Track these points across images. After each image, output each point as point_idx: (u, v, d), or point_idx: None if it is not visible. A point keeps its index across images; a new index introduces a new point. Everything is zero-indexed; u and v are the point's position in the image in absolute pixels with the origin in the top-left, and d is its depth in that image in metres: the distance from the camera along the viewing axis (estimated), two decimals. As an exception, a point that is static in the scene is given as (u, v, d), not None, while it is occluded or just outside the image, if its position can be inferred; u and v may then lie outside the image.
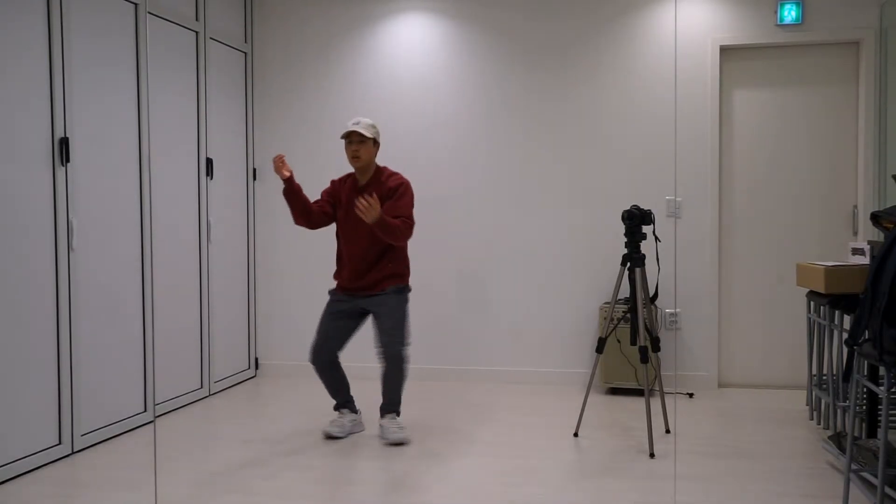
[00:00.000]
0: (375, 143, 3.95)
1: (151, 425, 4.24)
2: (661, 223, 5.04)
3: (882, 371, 3.43)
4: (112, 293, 3.99)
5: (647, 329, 3.97)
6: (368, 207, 3.63)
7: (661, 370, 4.95)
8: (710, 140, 4.99)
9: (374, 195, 3.69)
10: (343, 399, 4.06)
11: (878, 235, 4.70)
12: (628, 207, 4.31)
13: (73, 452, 3.73)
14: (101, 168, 3.91)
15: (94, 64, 3.86)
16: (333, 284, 4.14)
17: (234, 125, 5.23)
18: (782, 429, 4.11)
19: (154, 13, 4.32)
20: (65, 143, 3.64)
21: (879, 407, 3.63)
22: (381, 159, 5.20)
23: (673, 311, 5.06)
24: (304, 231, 5.47)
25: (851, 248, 3.96)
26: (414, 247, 5.32)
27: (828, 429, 4.03)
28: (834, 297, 3.74)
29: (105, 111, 3.94)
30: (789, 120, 4.99)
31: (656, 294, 4.10)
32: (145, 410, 4.27)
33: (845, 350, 4.28)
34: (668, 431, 4.05)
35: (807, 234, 5.00)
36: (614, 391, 4.98)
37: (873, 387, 2.98)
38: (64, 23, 3.64)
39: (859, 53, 4.89)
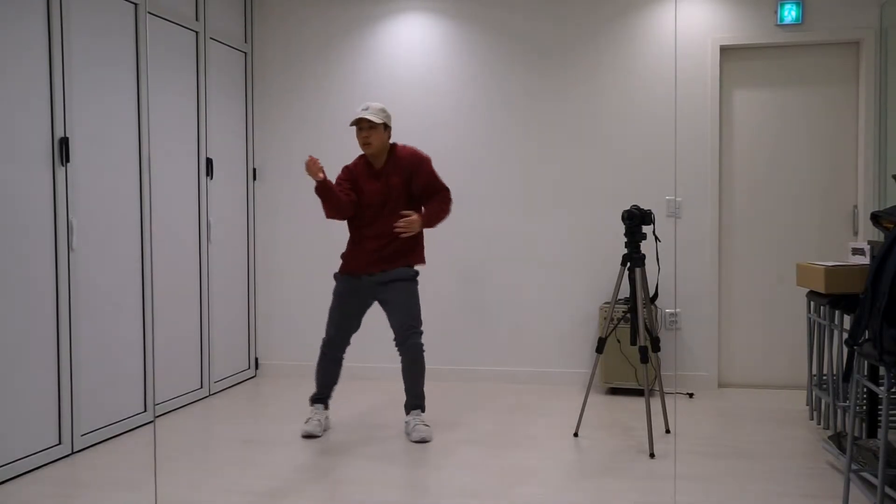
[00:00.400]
0: (386, 127, 3.90)
1: (151, 425, 4.24)
2: (661, 223, 5.04)
3: (882, 371, 3.43)
4: (112, 293, 3.99)
5: (647, 329, 3.97)
6: (409, 226, 3.75)
7: (661, 370, 4.95)
8: (710, 140, 4.99)
9: (408, 215, 3.76)
10: (327, 394, 4.10)
11: (878, 235, 4.70)
12: (628, 207, 4.31)
13: (73, 452, 3.73)
14: (101, 168, 3.91)
15: (94, 64, 3.86)
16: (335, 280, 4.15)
17: (234, 125, 5.23)
18: (782, 429, 4.11)
19: (154, 13, 4.32)
20: (65, 143, 3.64)
21: (879, 407, 3.63)
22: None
23: (673, 311, 5.06)
24: (304, 231, 5.47)
25: (851, 248, 3.96)
26: (414, 247, 5.32)
27: (828, 429, 4.03)
28: (834, 297, 3.74)
29: (105, 111, 3.94)
30: (789, 120, 4.99)
31: (656, 294, 4.10)
32: (145, 410, 4.27)
33: (845, 350, 4.28)
34: (668, 431, 4.05)
35: (807, 234, 5.00)
36: (614, 391, 4.98)
37: (873, 387, 2.98)
38: (64, 23, 3.64)
39: (859, 53, 4.89)
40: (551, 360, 5.22)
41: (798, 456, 3.64)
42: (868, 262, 3.75)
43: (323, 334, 5.35)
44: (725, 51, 5.01)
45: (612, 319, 4.59)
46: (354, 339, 5.17)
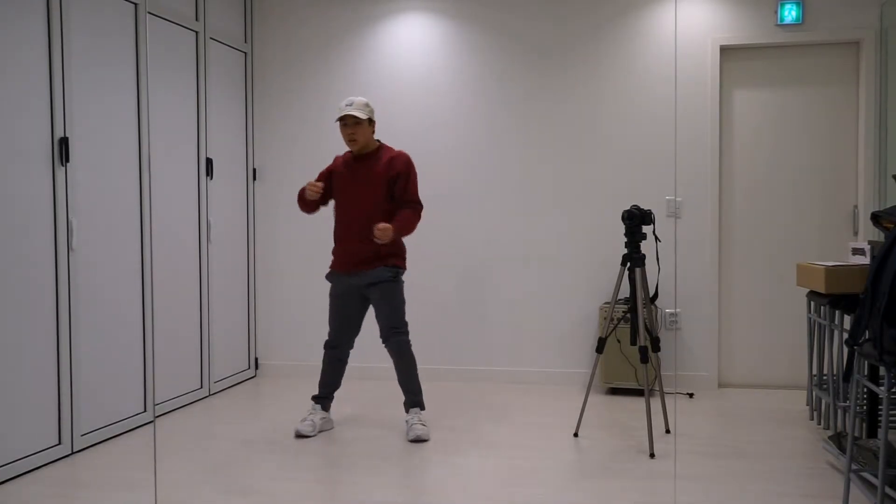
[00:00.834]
0: (371, 122, 3.93)
1: (151, 425, 4.24)
2: (661, 223, 5.04)
3: (882, 371, 3.43)
4: (112, 293, 3.99)
5: (647, 329, 3.97)
6: (383, 235, 3.76)
7: (661, 370, 4.95)
8: (710, 140, 4.99)
9: (383, 225, 3.77)
10: (327, 394, 4.11)
11: (878, 235, 4.70)
12: (628, 207, 4.31)
13: (73, 452, 3.73)
14: (101, 168, 3.91)
15: (94, 64, 3.86)
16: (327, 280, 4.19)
17: (234, 125, 5.23)
18: (782, 429, 4.11)
19: (154, 13, 4.32)
20: (65, 142, 3.64)
21: (880, 407, 3.63)
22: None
23: (673, 311, 5.06)
24: (304, 231, 5.47)
25: (852, 248, 3.96)
26: (414, 246, 5.32)
27: (828, 429, 4.03)
28: (834, 297, 3.74)
29: (105, 111, 3.94)
30: (789, 120, 4.99)
31: (656, 294, 4.10)
32: (145, 410, 4.27)
33: (845, 350, 4.28)
34: (668, 431, 4.05)
35: (807, 234, 5.00)
36: (614, 391, 4.98)
37: (873, 387, 2.98)
38: (64, 23, 3.63)
39: (859, 53, 4.89)
40: (551, 360, 5.21)
41: (798, 456, 3.64)
42: (868, 262, 3.75)
43: (323, 334, 5.38)
44: (725, 51, 5.01)
45: (612, 319, 4.59)
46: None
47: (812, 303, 4.12)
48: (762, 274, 5.05)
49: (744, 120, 5.04)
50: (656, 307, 4.96)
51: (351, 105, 3.87)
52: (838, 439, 3.51)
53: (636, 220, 3.89)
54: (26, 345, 3.44)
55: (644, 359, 3.71)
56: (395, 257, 3.98)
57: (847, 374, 3.03)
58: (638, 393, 4.93)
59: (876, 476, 2.96)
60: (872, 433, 3.58)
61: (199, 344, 4.80)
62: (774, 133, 5.02)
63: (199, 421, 4.33)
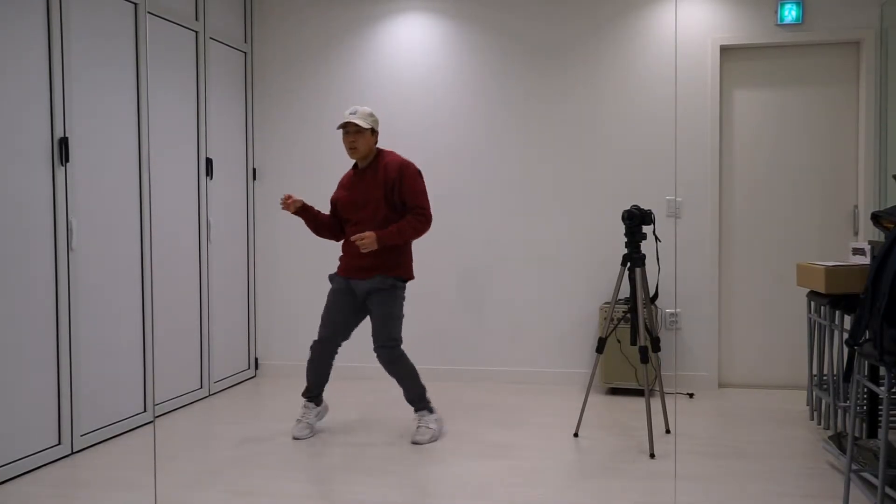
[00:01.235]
0: (373, 132, 3.88)
1: (151, 425, 4.24)
2: (661, 223, 5.04)
3: (882, 371, 3.43)
4: (112, 293, 3.99)
5: (647, 329, 3.97)
6: (365, 243, 3.71)
7: (661, 370, 4.95)
8: (710, 140, 4.99)
9: (366, 233, 3.72)
10: (317, 392, 4.08)
11: (878, 235, 4.70)
12: (628, 207, 4.31)
13: (73, 452, 3.73)
14: (101, 168, 3.91)
15: (94, 64, 3.86)
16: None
17: (234, 125, 5.23)
18: (782, 429, 4.11)
19: (154, 13, 4.32)
20: (65, 143, 3.64)
21: (880, 407, 3.64)
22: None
23: (673, 311, 5.06)
24: (304, 231, 5.47)
25: (852, 248, 3.96)
26: (414, 247, 5.32)
27: (828, 429, 4.03)
28: (834, 297, 3.74)
29: (105, 111, 3.94)
30: (789, 120, 4.99)
31: (656, 294, 4.10)
32: (145, 410, 4.27)
33: (845, 350, 4.28)
34: (668, 431, 4.05)
35: (807, 234, 5.00)
36: (614, 391, 4.98)
37: (874, 387, 2.98)
38: (64, 23, 3.63)
39: (859, 53, 4.89)
40: (551, 360, 5.21)
41: (798, 456, 3.64)
42: (868, 262, 3.75)
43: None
44: (725, 51, 5.01)
45: (612, 319, 4.59)
46: (355, 339, 5.21)
47: (812, 303, 4.12)
48: (762, 274, 5.05)
49: (744, 120, 5.04)
50: (656, 307, 4.96)
51: (354, 113, 3.83)
52: (838, 439, 3.51)
53: (636, 220, 3.89)
54: (26, 345, 3.44)
55: (644, 359, 3.71)
56: (396, 268, 3.88)
57: (847, 374, 3.02)
58: (638, 393, 4.93)
59: (876, 476, 2.96)
60: (872, 433, 3.58)
61: (199, 344, 4.80)
62: (774, 133, 5.02)
63: (199, 421, 4.33)
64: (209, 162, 4.87)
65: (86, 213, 3.80)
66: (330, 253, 5.41)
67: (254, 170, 5.51)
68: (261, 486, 3.26)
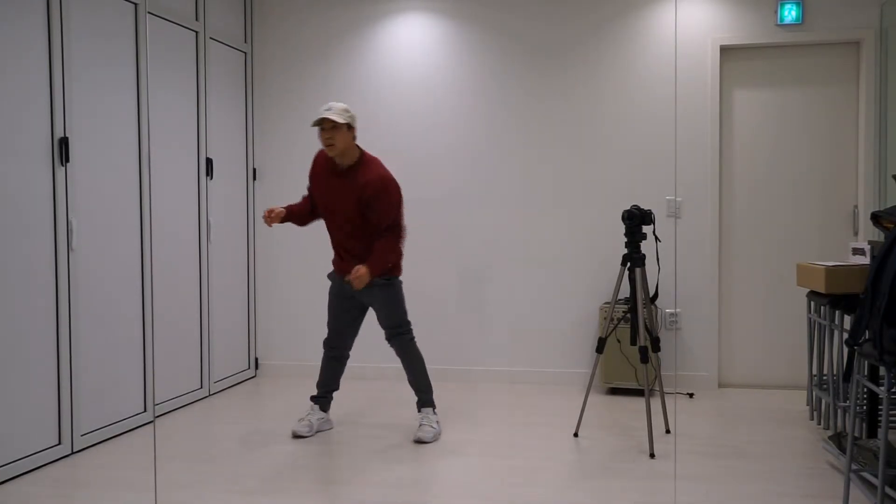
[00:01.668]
0: (350, 127, 3.81)
1: (151, 425, 4.24)
2: (661, 223, 5.04)
3: (882, 371, 3.43)
4: (112, 293, 3.99)
5: (647, 329, 3.97)
6: (357, 283, 3.72)
7: (661, 370, 4.95)
8: (710, 140, 4.99)
9: (359, 272, 3.71)
10: (324, 393, 4.10)
11: (878, 235, 4.70)
12: (628, 207, 4.31)
13: (73, 452, 3.73)
14: (101, 168, 3.91)
15: (94, 64, 3.86)
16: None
17: (234, 125, 5.23)
18: (782, 429, 4.11)
19: (154, 13, 4.32)
20: (65, 142, 3.64)
21: (880, 407, 3.64)
22: (383, 158, 5.19)
23: (673, 311, 5.06)
24: (303, 231, 5.47)
25: (852, 248, 3.96)
26: (414, 247, 5.32)
27: (828, 429, 4.03)
28: (834, 297, 3.74)
29: (105, 111, 3.94)
30: (789, 120, 4.99)
31: (656, 294, 4.10)
32: (145, 410, 4.27)
33: (845, 350, 4.28)
34: (668, 431, 4.05)
35: (807, 234, 5.00)
36: (614, 391, 4.98)
37: (873, 387, 2.98)
38: (64, 23, 3.63)
39: (859, 53, 4.89)
40: (551, 360, 5.21)
41: (798, 456, 3.64)
42: (868, 262, 3.75)
43: (323, 334, 5.39)
44: (725, 51, 5.01)
45: (612, 319, 4.59)
46: (356, 339, 5.19)
47: (812, 303, 4.12)
48: (762, 274, 5.05)
49: (744, 120, 5.04)
50: (656, 307, 4.96)
51: (329, 109, 3.75)
52: (838, 439, 3.51)
53: (636, 220, 3.89)
54: (26, 345, 3.44)
55: (644, 359, 3.71)
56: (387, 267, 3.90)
57: (847, 374, 3.03)
58: (638, 393, 4.93)
59: (876, 476, 2.96)
60: (872, 433, 3.58)
61: (199, 344, 4.80)
62: (774, 133, 5.02)
63: (199, 421, 4.33)
64: (209, 162, 4.87)
65: (86, 213, 3.80)
66: (330, 252, 5.41)
67: (254, 170, 5.51)
68: (261, 486, 3.26)
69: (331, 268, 5.40)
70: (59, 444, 3.65)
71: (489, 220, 5.26)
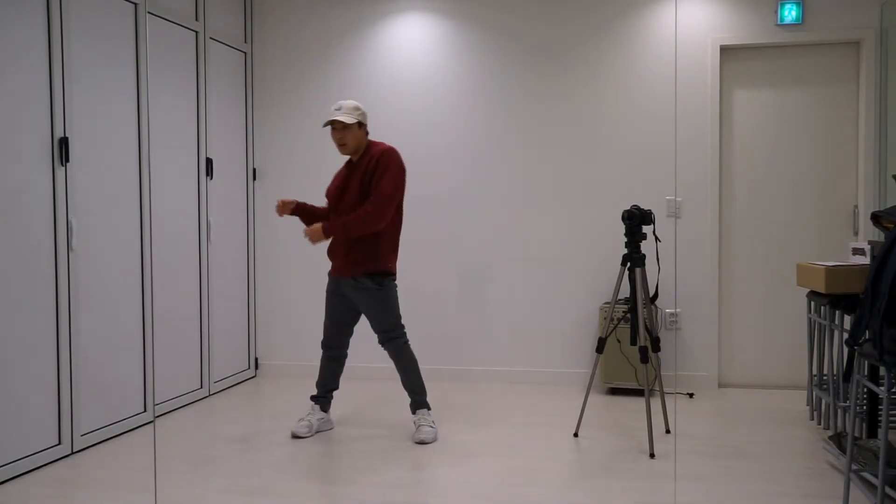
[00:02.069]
0: (361, 125, 3.84)
1: (151, 425, 4.24)
2: (661, 223, 5.04)
3: (882, 371, 3.43)
4: (112, 293, 3.99)
5: (647, 329, 3.97)
6: (310, 238, 3.80)
7: (661, 370, 4.95)
8: (710, 140, 4.99)
9: (314, 227, 3.78)
10: (324, 394, 4.10)
11: (878, 235, 4.71)
12: (628, 207, 4.31)
13: (73, 452, 3.73)
14: (101, 168, 3.91)
15: (94, 64, 3.86)
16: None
17: (234, 125, 5.23)
18: (782, 429, 4.11)
19: (154, 13, 4.32)
20: (65, 142, 3.64)
21: (880, 407, 3.64)
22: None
23: (673, 311, 5.06)
24: (303, 231, 5.46)
25: (852, 248, 3.96)
26: (414, 247, 5.32)
27: (828, 429, 4.03)
28: (834, 297, 3.74)
29: (105, 111, 3.94)
30: (789, 120, 4.99)
31: (656, 294, 4.10)
32: (145, 410, 4.27)
33: (845, 350, 4.28)
34: (668, 431, 4.05)
35: (807, 234, 5.00)
36: (614, 391, 4.98)
37: (873, 387, 2.98)
38: (64, 23, 3.63)
39: (859, 53, 4.89)
40: (551, 360, 5.21)
41: (798, 456, 3.64)
42: (868, 262, 3.75)
43: (322, 334, 5.39)
44: (725, 51, 5.01)
45: (612, 319, 4.59)
46: (355, 339, 5.21)
47: (812, 303, 4.12)
48: (762, 274, 5.05)
49: (744, 120, 5.04)
50: (656, 307, 4.96)
51: (339, 109, 3.81)
52: (838, 439, 3.51)
53: (636, 220, 3.89)
54: (26, 345, 3.44)
55: (644, 359, 3.71)
56: (375, 262, 3.83)
57: (847, 374, 3.03)
58: (638, 393, 4.93)
59: (876, 476, 2.96)
60: (872, 433, 3.58)
61: (199, 344, 4.80)
62: (774, 133, 5.02)
63: (199, 421, 4.33)
64: (209, 162, 4.87)
65: (86, 213, 3.80)
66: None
67: (254, 170, 5.50)
68: (261, 486, 3.26)
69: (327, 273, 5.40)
70: (59, 444, 3.65)
71: (489, 220, 5.26)
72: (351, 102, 3.85)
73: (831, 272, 3.69)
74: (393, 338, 3.91)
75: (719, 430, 4.09)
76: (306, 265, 5.48)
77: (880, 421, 3.13)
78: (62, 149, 3.63)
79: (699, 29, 4.98)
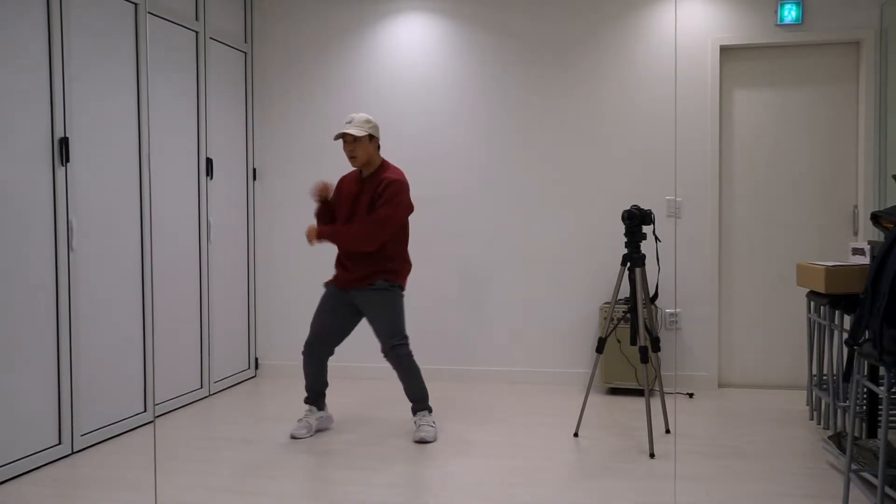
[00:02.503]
0: (372, 138, 3.89)
1: (151, 425, 4.24)
2: (661, 223, 5.04)
3: (882, 371, 3.43)
4: (112, 293, 3.99)
5: (647, 329, 3.97)
6: (310, 232, 3.87)
7: (661, 370, 4.95)
8: (710, 140, 4.99)
9: (311, 228, 3.87)
10: (316, 395, 4.08)
11: (878, 235, 4.70)
12: (628, 207, 4.31)
13: (73, 452, 3.73)
14: (101, 168, 3.91)
15: (94, 64, 3.86)
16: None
17: (234, 125, 5.23)
18: (782, 429, 4.11)
19: (154, 13, 4.32)
20: (65, 142, 3.64)
21: (879, 407, 3.64)
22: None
23: (673, 311, 5.06)
24: (304, 231, 5.47)
25: (852, 248, 3.96)
26: (414, 246, 5.32)
27: (828, 429, 4.03)
28: (834, 297, 3.74)
29: (105, 111, 3.94)
30: (789, 120, 4.99)
31: (656, 294, 4.10)
32: (145, 410, 4.27)
33: (845, 350, 4.28)
34: (668, 431, 4.05)
35: (807, 234, 5.00)
36: (614, 391, 4.98)
37: (873, 387, 2.98)
38: (64, 23, 3.63)
39: (859, 53, 4.89)
40: (551, 360, 5.21)
41: (798, 456, 3.64)
42: (868, 262, 3.75)
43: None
44: (725, 51, 5.01)
45: (612, 319, 4.59)
46: (354, 339, 5.20)
47: (812, 303, 4.12)
48: (762, 274, 5.05)
49: (744, 120, 5.04)
50: (656, 307, 4.96)
51: (350, 122, 3.86)
52: (838, 439, 3.51)
53: (636, 220, 3.89)
54: (26, 345, 3.44)
55: (644, 359, 3.71)
56: (388, 273, 3.89)
57: (847, 374, 3.03)
58: (638, 393, 4.93)
59: (876, 476, 2.96)
60: (872, 433, 3.59)
61: (199, 344, 4.80)
62: (774, 133, 5.02)
63: (199, 421, 4.33)
64: (209, 162, 4.87)
65: (86, 213, 3.80)
66: (330, 253, 5.41)
67: (254, 170, 5.51)
68: (261, 486, 3.26)
69: (330, 268, 5.40)
70: (59, 444, 3.65)
71: (489, 220, 5.26)
72: (362, 115, 3.89)
73: (831, 272, 3.69)
74: (397, 345, 3.88)
75: (719, 430, 4.09)
76: (306, 265, 5.48)
77: (880, 421, 3.13)
78: (62, 149, 3.63)
79: (699, 29, 4.98)
